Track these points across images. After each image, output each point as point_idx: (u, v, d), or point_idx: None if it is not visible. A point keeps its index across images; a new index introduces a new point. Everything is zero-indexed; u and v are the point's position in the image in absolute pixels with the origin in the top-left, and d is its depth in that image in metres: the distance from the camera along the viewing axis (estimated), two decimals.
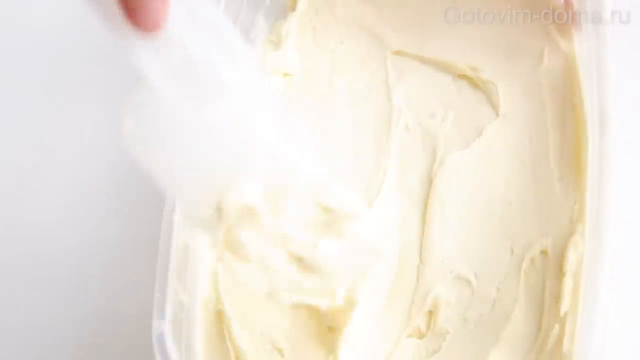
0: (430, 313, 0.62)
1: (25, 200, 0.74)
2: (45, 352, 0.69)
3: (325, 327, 0.62)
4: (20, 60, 0.80)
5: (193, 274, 0.62)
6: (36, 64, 0.80)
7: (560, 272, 0.60)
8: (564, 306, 0.58)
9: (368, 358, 0.61)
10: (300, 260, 0.57)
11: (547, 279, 0.61)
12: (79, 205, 0.74)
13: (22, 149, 0.77)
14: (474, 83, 0.70)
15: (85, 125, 0.77)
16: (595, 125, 0.61)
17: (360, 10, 0.73)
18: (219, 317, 0.62)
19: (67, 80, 0.79)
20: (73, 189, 0.74)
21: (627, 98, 0.72)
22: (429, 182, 0.67)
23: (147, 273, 0.59)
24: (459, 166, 0.67)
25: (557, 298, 0.59)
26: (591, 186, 0.61)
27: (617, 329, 0.62)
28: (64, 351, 0.69)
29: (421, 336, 0.62)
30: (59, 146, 0.76)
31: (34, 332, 0.70)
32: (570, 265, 0.60)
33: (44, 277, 0.71)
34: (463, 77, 0.70)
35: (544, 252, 0.62)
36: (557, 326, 0.58)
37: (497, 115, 0.68)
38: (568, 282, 0.59)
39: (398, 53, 0.71)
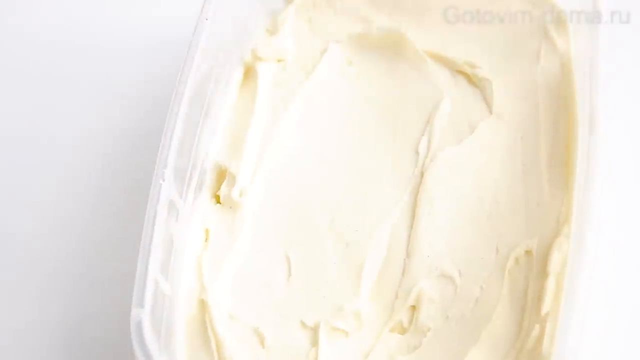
0: (413, 308, 0.62)
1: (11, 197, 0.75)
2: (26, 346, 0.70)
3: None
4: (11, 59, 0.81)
5: (177, 264, 0.62)
6: (27, 62, 0.81)
7: (543, 273, 0.60)
8: (545, 307, 0.58)
9: (349, 351, 0.61)
10: None
11: (531, 280, 0.61)
12: (66, 202, 0.74)
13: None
14: (471, 80, 0.70)
15: (75, 121, 0.77)
16: (585, 127, 0.61)
17: (358, 2, 0.73)
18: (202, 307, 0.62)
19: (58, 78, 0.80)
20: (57, 186, 0.75)
21: (627, 97, 0.73)
22: (421, 175, 0.67)
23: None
24: (451, 162, 0.67)
25: (539, 299, 0.59)
26: (578, 188, 0.60)
27: (598, 330, 0.63)
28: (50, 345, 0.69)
29: (403, 331, 0.62)
30: (47, 143, 0.77)
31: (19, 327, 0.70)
32: (553, 267, 0.60)
33: (27, 275, 0.72)
34: (460, 72, 0.71)
35: (528, 253, 0.62)
36: (537, 327, 0.58)
37: (491, 113, 0.68)
38: (551, 283, 0.59)
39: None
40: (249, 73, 0.72)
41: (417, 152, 0.68)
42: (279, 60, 0.72)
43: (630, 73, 0.75)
